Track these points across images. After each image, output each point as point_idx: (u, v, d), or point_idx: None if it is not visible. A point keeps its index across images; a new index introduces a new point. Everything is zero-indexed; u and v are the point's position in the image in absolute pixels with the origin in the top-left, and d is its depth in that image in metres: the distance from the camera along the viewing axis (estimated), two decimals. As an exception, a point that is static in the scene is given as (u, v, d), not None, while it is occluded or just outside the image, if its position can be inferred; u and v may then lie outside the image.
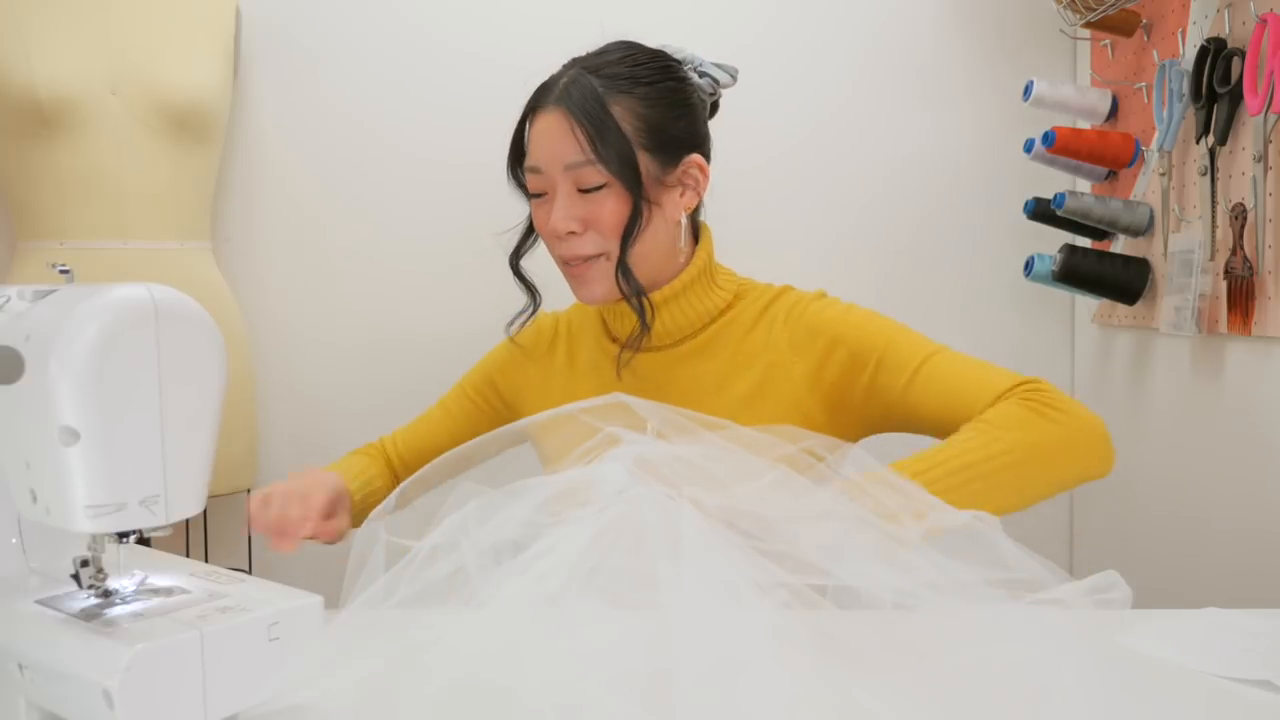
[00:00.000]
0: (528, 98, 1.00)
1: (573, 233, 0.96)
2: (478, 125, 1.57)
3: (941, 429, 0.89)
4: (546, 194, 0.98)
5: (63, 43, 1.29)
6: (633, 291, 0.97)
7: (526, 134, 0.99)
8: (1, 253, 1.50)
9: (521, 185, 1.02)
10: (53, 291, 0.57)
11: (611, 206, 0.95)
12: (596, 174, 0.95)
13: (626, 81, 0.97)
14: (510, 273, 1.05)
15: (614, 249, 0.97)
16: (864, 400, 0.96)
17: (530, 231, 1.06)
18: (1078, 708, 0.55)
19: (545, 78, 1.01)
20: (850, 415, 0.97)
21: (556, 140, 0.95)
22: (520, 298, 1.08)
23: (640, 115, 0.96)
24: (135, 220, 1.33)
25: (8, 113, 1.28)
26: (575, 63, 1.00)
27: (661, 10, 1.50)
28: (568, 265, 1.00)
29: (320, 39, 1.58)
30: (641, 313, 0.98)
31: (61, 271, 0.59)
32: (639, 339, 1.00)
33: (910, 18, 1.59)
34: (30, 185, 1.31)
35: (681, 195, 1.00)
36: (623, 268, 0.96)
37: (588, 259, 0.97)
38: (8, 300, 0.58)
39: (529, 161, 0.98)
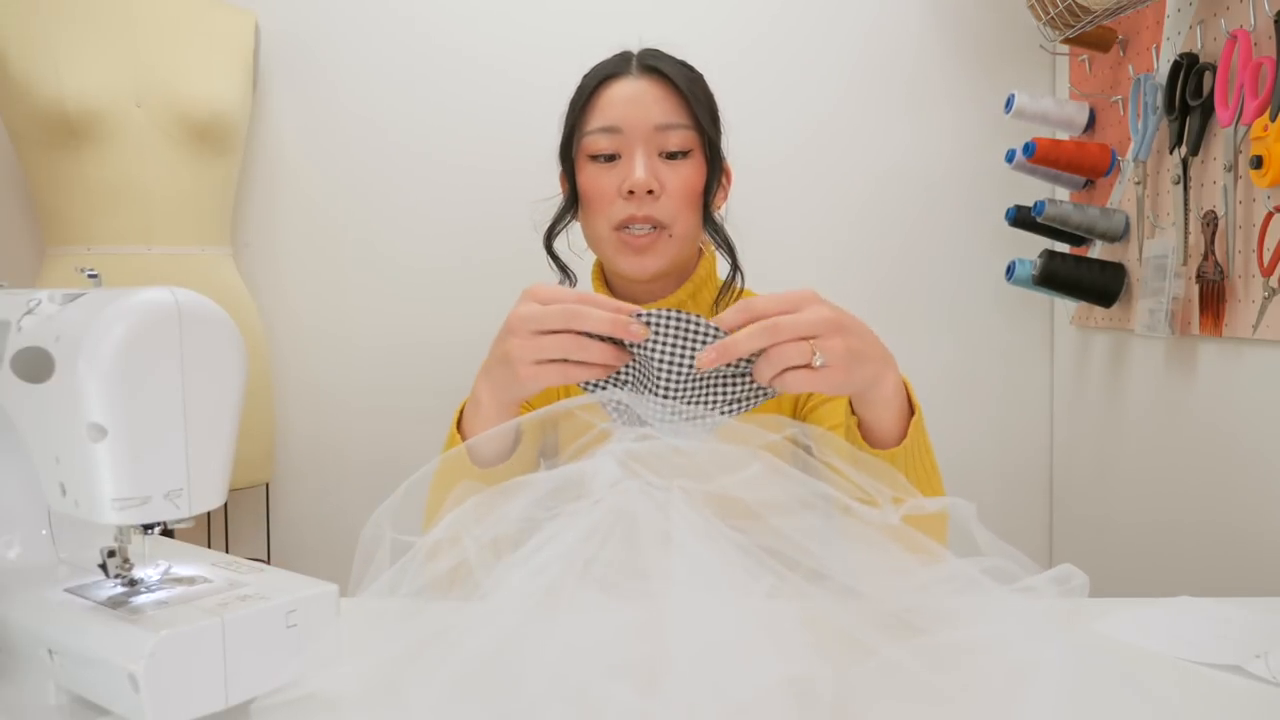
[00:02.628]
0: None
1: (651, 192, 0.94)
2: (489, 132, 1.61)
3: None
4: (620, 156, 0.95)
5: (90, 58, 1.31)
6: (724, 239, 0.99)
7: (594, 102, 0.97)
8: (32, 258, 1.53)
9: (569, 160, 0.99)
10: (81, 295, 0.58)
11: (687, 174, 0.95)
12: (686, 138, 0.95)
13: (696, 73, 1.00)
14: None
15: (678, 223, 0.96)
16: (790, 403, 1.00)
17: (566, 212, 1.02)
18: (1055, 689, 0.55)
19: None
20: (787, 413, 1.01)
21: (649, 102, 0.94)
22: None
23: (710, 100, 1.00)
24: (159, 227, 1.36)
25: (38, 124, 1.30)
26: (639, 51, 1.00)
27: (653, 25, 1.53)
28: (628, 234, 0.96)
29: (336, 52, 1.61)
30: (733, 260, 1.00)
31: (89, 276, 0.59)
32: (729, 297, 1.02)
33: (897, 35, 1.63)
34: (59, 194, 1.33)
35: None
36: (711, 222, 0.98)
37: (653, 230, 0.95)
38: (38, 303, 0.59)
39: (603, 123, 0.95)
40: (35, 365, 0.56)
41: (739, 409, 0.72)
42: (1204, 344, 1.25)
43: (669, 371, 0.69)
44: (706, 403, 0.71)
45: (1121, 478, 1.46)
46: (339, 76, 1.61)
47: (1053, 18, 1.35)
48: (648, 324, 0.69)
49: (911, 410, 0.79)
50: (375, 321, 1.64)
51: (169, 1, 1.41)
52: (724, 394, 0.72)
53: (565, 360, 0.70)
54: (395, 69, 1.61)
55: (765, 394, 0.72)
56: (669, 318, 0.69)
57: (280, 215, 1.62)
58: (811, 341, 0.66)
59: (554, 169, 1.09)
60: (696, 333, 0.68)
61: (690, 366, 0.69)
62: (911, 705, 0.58)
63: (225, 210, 1.48)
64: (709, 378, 0.71)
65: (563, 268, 1.08)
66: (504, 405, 0.79)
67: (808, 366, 0.66)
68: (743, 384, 0.71)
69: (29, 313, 0.59)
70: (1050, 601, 0.62)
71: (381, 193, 1.63)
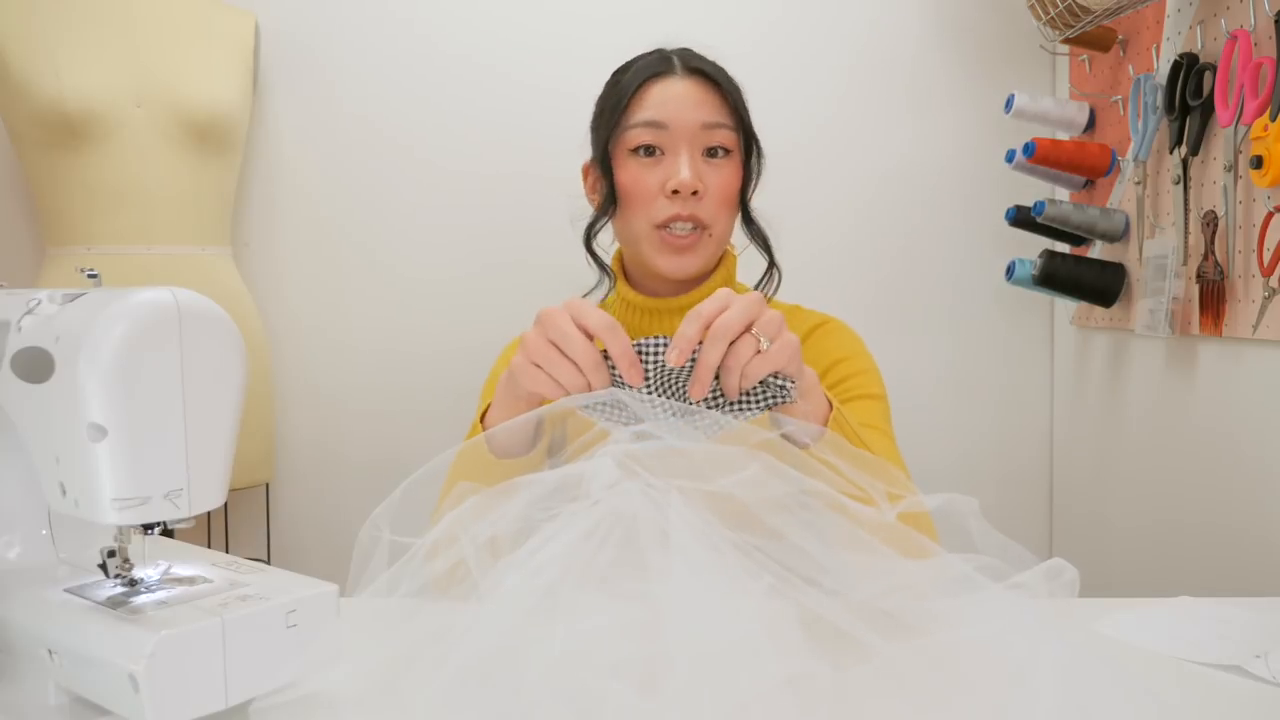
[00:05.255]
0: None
1: (695, 192, 0.95)
2: (488, 135, 1.61)
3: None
4: (661, 152, 0.96)
5: (90, 58, 1.31)
6: (760, 237, 1.02)
7: (639, 98, 0.97)
8: (32, 258, 1.53)
9: (605, 156, 0.99)
10: (81, 295, 0.58)
11: (727, 174, 0.97)
12: (729, 138, 0.97)
13: (733, 79, 1.02)
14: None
15: (718, 223, 0.98)
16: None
17: (605, 210, 1.01)
18: (1055, 689, 0.55)
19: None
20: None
21: (696, 101, 0.96)
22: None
23: (745, 105, 1.01)
24: (159, 227, 1.36)
25: (38, 124, 1.30)
26: (677, 51, 1.01)
27: (656, 26, 1.53)
28: (669, 233, 0.96)
29: (336, 52, 1.61)
30: (770, 258, 1.03)
31: (90, 276, 0.59)
32: (767, 290, 1.04)
33: (897, 36, 1.63)
34: (59, 194, 1.33)
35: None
36: (748, 220, 1.01)
37: (694, 230, 0.96)
38: (38, 303, 0.59)
39: (649, 116, 0.96)
40: (35, 365, 0.56)
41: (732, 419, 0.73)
42: (1204, 344, 1.25)
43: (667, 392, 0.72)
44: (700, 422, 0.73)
45: (1121, 478, 1.46)
46: (339, 76, 1.62)
47: (1053, 18, 1.36)
48: (641, 354, 0.72)
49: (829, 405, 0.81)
50: (375, 322, 1.65)
51: (169, 2, 1.41)
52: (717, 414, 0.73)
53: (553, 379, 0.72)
54: (395, 70, 1.62)
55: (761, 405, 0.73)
56: (656, 344, 0.71)
57: (280, 215, 1.63)
58: (752, 330, 0.70)
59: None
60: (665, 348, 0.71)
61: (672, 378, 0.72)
62: (911, 704, 0.58)
63: (225, 210, 1.48)
64: (704, 403, 0.73)
65: (602, 266, 1.07)
66: (513, 399, 0.79)
67: (759, 352, 0.70)
68: (732, 409, 0.73)
69: (29, 313, 0.59)
70: (1048, 600, 0.62)
71: (381, 193, 1.63)
